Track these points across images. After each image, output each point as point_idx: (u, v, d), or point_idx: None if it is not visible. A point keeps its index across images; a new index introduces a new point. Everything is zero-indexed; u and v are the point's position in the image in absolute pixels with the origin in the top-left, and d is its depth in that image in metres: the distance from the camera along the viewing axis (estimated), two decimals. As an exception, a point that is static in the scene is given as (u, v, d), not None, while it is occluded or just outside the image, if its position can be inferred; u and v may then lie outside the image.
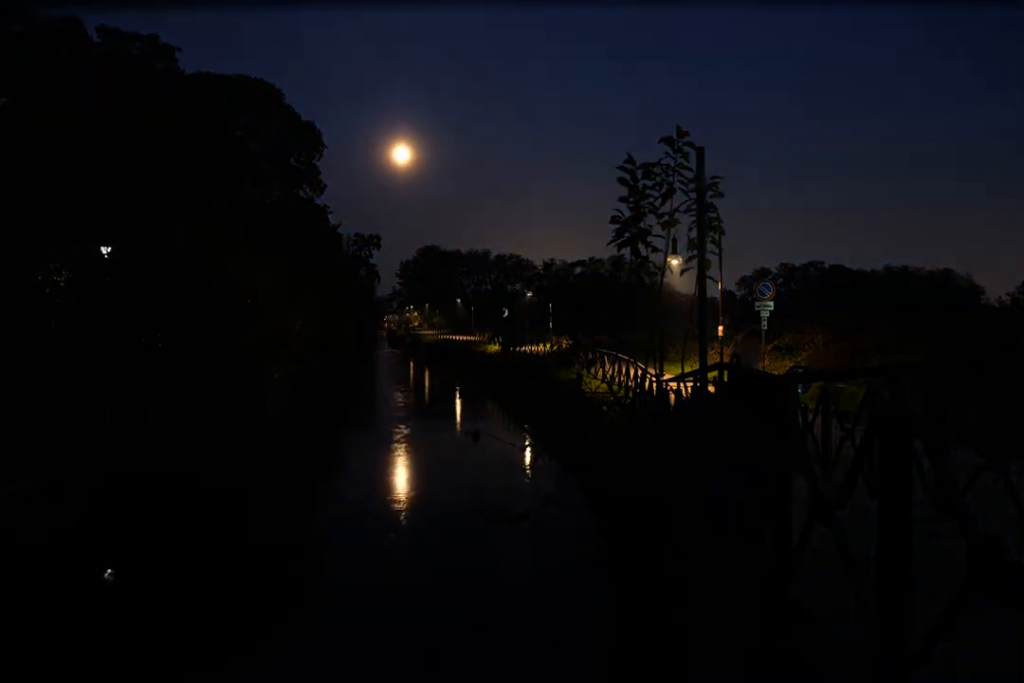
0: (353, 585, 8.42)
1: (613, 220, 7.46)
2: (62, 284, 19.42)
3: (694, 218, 7.52)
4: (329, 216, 52.45)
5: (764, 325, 21.20)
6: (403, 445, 18.31)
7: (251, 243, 31.28)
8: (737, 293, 70.90)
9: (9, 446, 12.56)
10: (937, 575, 3.16)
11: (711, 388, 6.44)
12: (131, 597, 8.17)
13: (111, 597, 8.35)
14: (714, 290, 16.29)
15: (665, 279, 8.25)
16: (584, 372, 20.81)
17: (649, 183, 7.27)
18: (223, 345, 27.84)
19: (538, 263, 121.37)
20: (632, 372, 16.93)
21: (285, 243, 37.41)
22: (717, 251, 8.01)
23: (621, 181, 7.28)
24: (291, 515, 11.83)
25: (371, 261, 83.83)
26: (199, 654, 6.71)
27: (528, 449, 17.39)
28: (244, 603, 7.98)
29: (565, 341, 31.21)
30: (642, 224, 7.41)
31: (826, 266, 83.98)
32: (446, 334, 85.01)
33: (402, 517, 11.49)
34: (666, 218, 7.41)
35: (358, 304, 71.92)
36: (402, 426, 22.68)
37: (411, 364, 58.28)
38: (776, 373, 14.11)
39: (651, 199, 7.34)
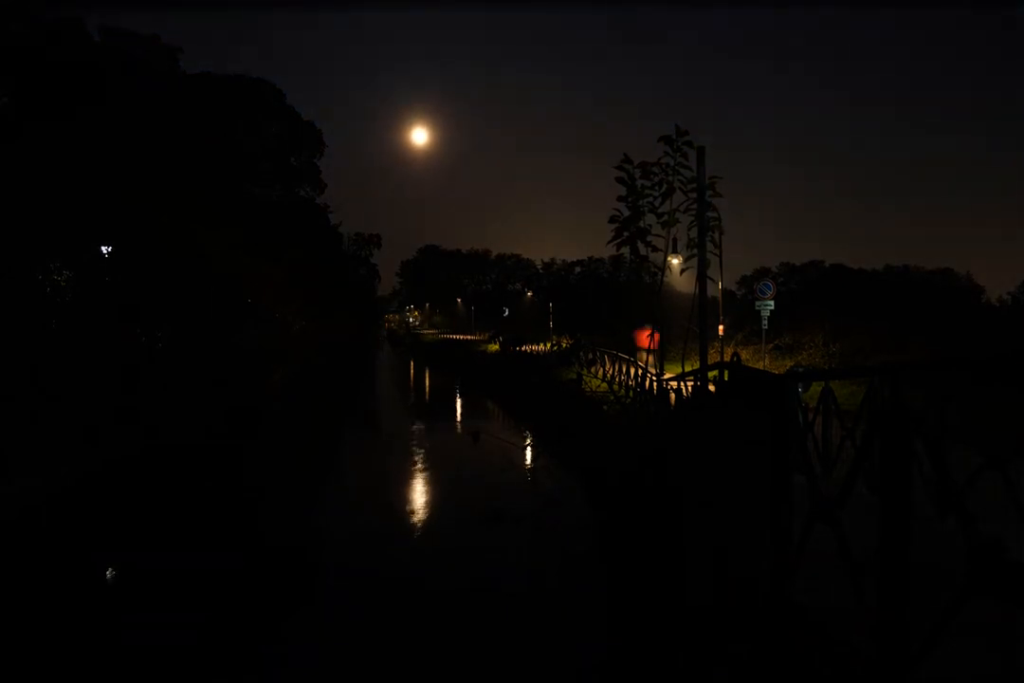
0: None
1: (612, 220, 7.45)
2: (62, 284, 19.42)
3: (694, 218, 7.51)
4: (329, 216, 52.51)
5: (765, 324, 21.20)
6: (403, 444, 18.30)
7: (251, 243, 31.29)
8: (737, 292, 70.94)
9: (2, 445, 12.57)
10: (937, 574, 3.16)
11: (711, 387, 6.44)
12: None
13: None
14: (714, 289, 16.32)
15: (665, 278, 8.24)
16: (584, 371, 20.75)
17: (648, 183, 7.25)
18: (223, 345, 27.85)
19: (538, 263, 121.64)
20: (632, 371, 16.92)
21: (285, 243, 37.42)
22: (717, 251, 8.00)
23: (619, 180, 7.26)
24: (294, 512, 11.84)
25: (371, 260, 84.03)
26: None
27: (528, 449, 17.38)
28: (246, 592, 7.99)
29: (565, 340, 31.18)
30: (641, 223, 7.39)
31: (826, 266, 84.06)
32: (446, 333, 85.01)
33: (400, 516, 11.48)
34: (666, 217, 7.39)
35: (358, 303, 72.00)
36: (402, 425, 22.68)
37: (411, 363, 58.27)
38: (776, 372, 14.09)
39: (650, 198, 7.32)
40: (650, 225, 7.38)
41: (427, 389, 39.14)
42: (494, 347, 46.02)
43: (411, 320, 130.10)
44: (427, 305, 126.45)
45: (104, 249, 21.21)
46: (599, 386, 19.94)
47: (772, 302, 21.06)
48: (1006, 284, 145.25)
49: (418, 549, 9.93)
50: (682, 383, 8.77)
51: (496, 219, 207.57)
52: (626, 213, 7.30)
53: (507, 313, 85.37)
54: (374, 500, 12.59)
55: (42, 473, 12.58)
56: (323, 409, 26.99)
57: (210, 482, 13.93)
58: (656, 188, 7.22)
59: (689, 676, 5.42)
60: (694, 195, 7.31)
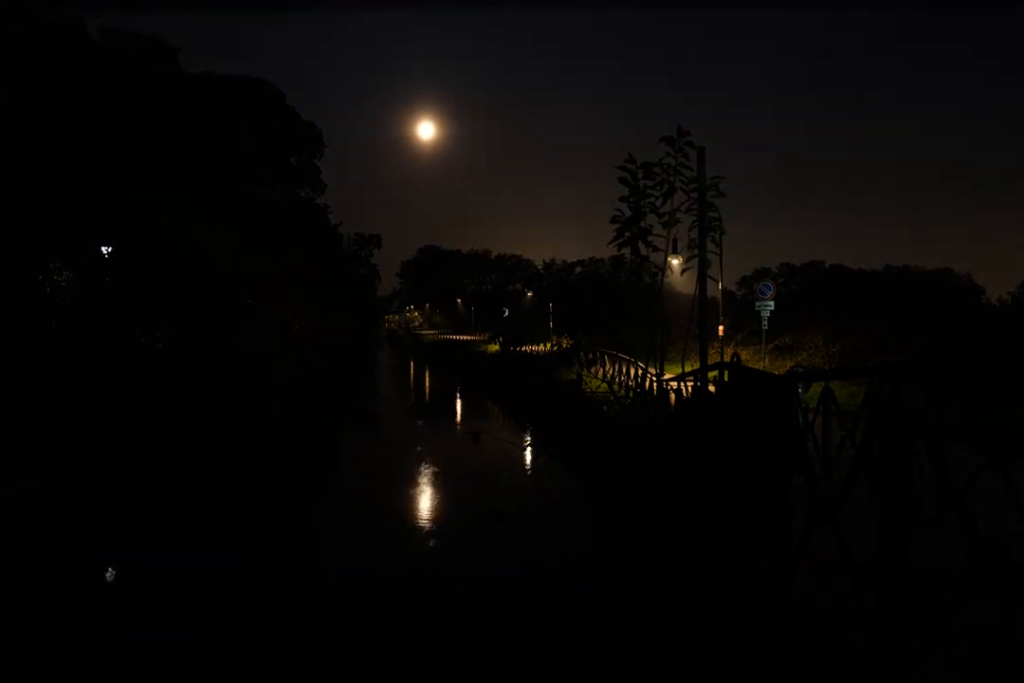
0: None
1: (613, 220, 7.47)
2: (62, 284, 19.42)
3: (695, 218, 7.52)
4: (329, 216, 52.56)
5: (765, 324, 21.21)
6: (403, 445, 18.31)
7: (251, 243, 31.31)
8: (737, 293, 70.93)
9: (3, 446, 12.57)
10: (937, 574, 3.16)
11: (711, 388, 6.44)
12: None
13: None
14: (714, 290, 16.32)
15: (665, 279, 8.25)
16: (584, 372, 20.78)
17: (650, 183, 7.28)
18: (223, 345, 27.86)
19: (538, 263, 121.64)
20: (632, 372, 16.94)
21: (285, 243, 37.45)
22: (717, 251, 8.02)
23: (621, 181, 7.28)
24: (294, 512, 11.86)
25: (371, 261, 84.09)
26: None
27: (529, 449, 17.39)
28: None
29: (565, 341, 31.25)
30: (642, 224, 7.41)
31: (826, 266, 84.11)
32: (446, 334, 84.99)
33: (400, 515, 11.49)
34: (667, 218, 7.41)
35: (358, 304, 72.06)
36: (402, 426, 22.69)
37: (411, 363, 58.27)
38: (776, 372, 14.10)
39: (652, 199, 7.35)
40: (651, 225, 7.40)
41: (427, 389, 39.14)
42: (494, 347, 46.01)
43: (411, 321, 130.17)
44: (427, 305, 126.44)
45: (104, 249, 21.22)
46: (599, 386, 19.95)
47: (772, 303, 21.06)
48: (1006, 284, 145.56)
49: (418, 549, 9.94)
50: (682, 383, 8.77)
51: (496, 219, 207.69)
52: (628, 213, 7.32)
53: (507, 313, 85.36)
54: (374, 500, 12.59)
55: (42, 473, 12.59)
56: (323, 410, 27.00)
57: (210, 483, 13.94)
58: (658, 188, 7.24)
59: (690, 676, 5.42)
60: (695, 195, 7.32)
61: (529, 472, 15.24)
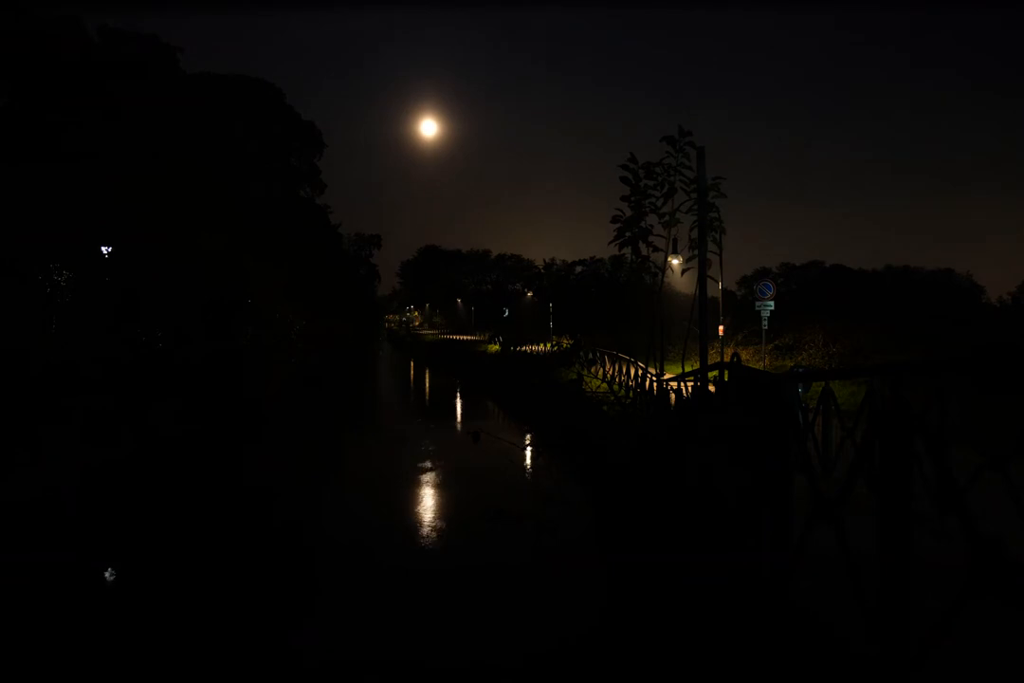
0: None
1: (614, 220, 7.48)
2: (62, 284, 19.43)
3: (695, 218, 7.53)
4: (329, 216, 52.59)
5: (765, 324, 21.22)
6: (403, 445, 18.31)
7: (251, 243, 31.32)
8: (737, 293, 70.89)
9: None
10: (938, 574, 3.17)
11: (711, 388, 6.45)
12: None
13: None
14: (714, 290, 16.33)
15: (666, 279, 8.26)
16: (584, 372, 20.80)
17: (651, 183, 7.29)
18: (223, 345, 27.87)
19: (538, 263, 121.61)
20: (632, 372, 16.94)
21: (285, 243, 37.45)
22: (718, 251, 8.03)
23: (623, 180, 7.29)
24: (296, 512, 11.87)
25: (371, 261, 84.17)
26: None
27: (529, 449, 17.39)
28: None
29: (566, 341, 31.23)
30: (643, 223, 7.42)
31: (826, 266, 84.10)
32: (446, 334, 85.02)
33: (401, 514, 11.50)
34: (667, 218, 7.42)
35: (358, 303, 72.09)
36: (402, 426, 22.68)
37: (411, 363, 58.26)
38: (776, 373, 14.10)
39: (652, 198, 7.36)
40: (651, 225, 7.41)
41: (427, 389, 39.13)
42: (494, 347, 45.98)
43: (412, 321, 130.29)
44: (427, 305, 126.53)
45: (104, 249, 21.24)
46: (599, 386, 19.96)
47: (772, 303, 21.08)
48: (1006, 284, 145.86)
49: (419, 547, 9.94)
50: (682, 383, 8.78)
51: (496, 219, 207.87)
52: (628, 213, 7.33)
53: (507, 314, 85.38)
54: (375, 499, 12.60)
55: (41, 473, 12.59)
56: (324, 409, 27.00)
57: (211, 482, 13.94)
58: (659, 188, 7.25)
59: (690, 676, 5.43)
60: (696, 195, 7.33)
61: (529, 472, 15.24)
